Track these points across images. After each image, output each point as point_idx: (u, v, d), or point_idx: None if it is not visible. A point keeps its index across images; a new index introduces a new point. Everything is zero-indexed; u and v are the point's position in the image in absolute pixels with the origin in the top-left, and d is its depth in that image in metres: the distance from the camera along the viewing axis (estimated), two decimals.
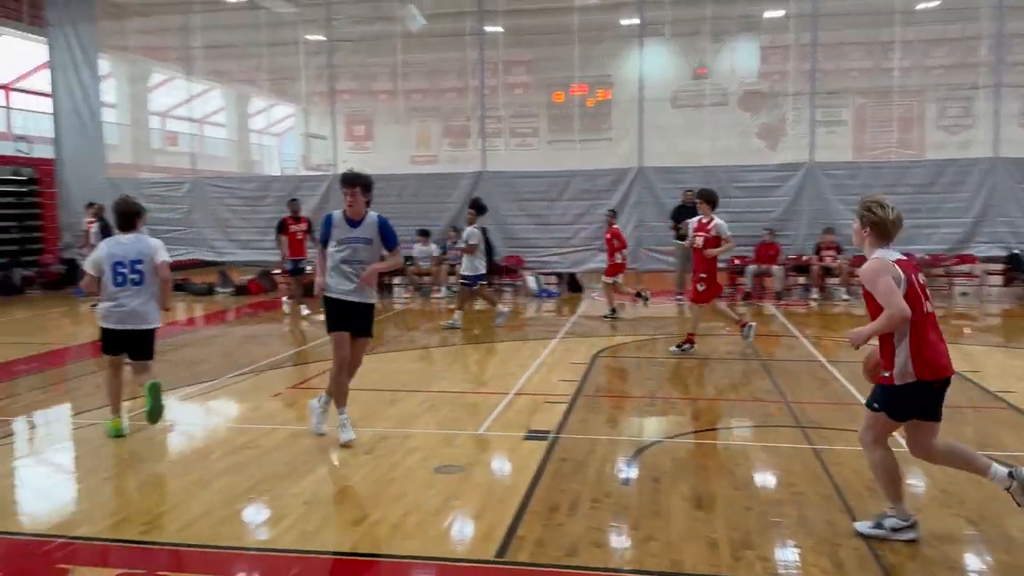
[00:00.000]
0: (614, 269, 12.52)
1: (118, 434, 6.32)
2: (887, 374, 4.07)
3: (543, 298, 15.23)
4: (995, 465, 4.15)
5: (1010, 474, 4.07)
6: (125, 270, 6.17)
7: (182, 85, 20.00)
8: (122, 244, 6.28)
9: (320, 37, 17.50)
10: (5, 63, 21.93)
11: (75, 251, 17.55)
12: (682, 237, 14.10)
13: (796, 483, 5.13)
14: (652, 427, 6.68)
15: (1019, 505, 4.10)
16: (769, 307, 13.75)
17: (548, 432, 6.25)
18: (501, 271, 16.34)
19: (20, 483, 5.56)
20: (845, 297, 14.17)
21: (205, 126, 26.59)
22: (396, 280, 16.62)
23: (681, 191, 14.71)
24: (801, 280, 15.31)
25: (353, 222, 5.90)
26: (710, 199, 9.42)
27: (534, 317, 13.41)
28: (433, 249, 15.89)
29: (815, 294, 14.65)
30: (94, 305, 11.54)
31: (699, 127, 16.47)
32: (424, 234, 15.74)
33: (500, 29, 17.02)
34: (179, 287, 17.15)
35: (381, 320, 12.68)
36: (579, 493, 4.96)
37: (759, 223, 14.94)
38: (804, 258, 14.97)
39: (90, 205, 10.40)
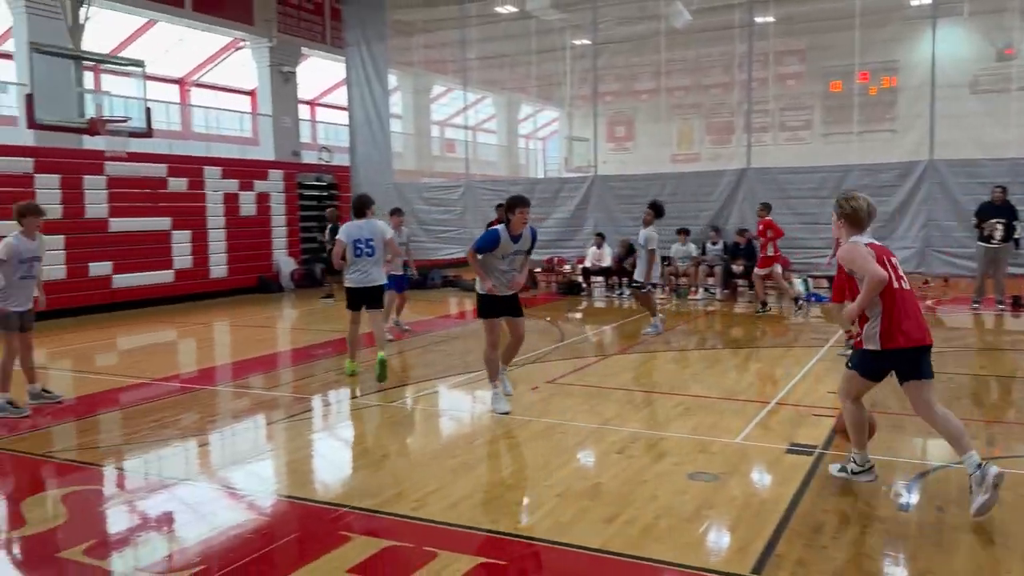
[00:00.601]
0: (766, 262, 13.08)
1: (353, 372, 8.58)
2: (858, 337, 4.72)
3: (812, 303, 14.31)
4: (974, 452, 4.49)
5: (979, 465, 4.42)
6: (362, 245, 8.40)
7: (459, 95, 21.41)
8: (358, 227, 8.49)
9: (585, 41, 17.85)
10: (312, 81, 24.88)
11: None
12: (987, 239, 12.59)
13: None
14: (937, 449, 5.99)
15: (971, 493, 4.42)
16: None
17: (814, 447, 5.85)
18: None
19: (315, 455, 6.26)
20: None
21: (478, 133, 28.27)
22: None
23: (981, 186, 13.09)
24: None
25: (515, 238, 6.90)
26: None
27: (801, 323, 12.63)
28: (691, 249, 15.58)
29: None
30: (325, 296, 12.76)
31: (1004, 114, 14.56)
32: (684, 232, 15.48)
33: (771, 19, 16.26)
34: (451, 283, 18.44)
35: (636, 320, 12.68)
36: (847, 515, 4.59)
37: None
38: None
39: (393, 212, 12.21)
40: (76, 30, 13.26)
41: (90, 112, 12.82)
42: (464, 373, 8.87)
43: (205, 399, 8.00)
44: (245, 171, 18.07)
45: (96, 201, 14.82)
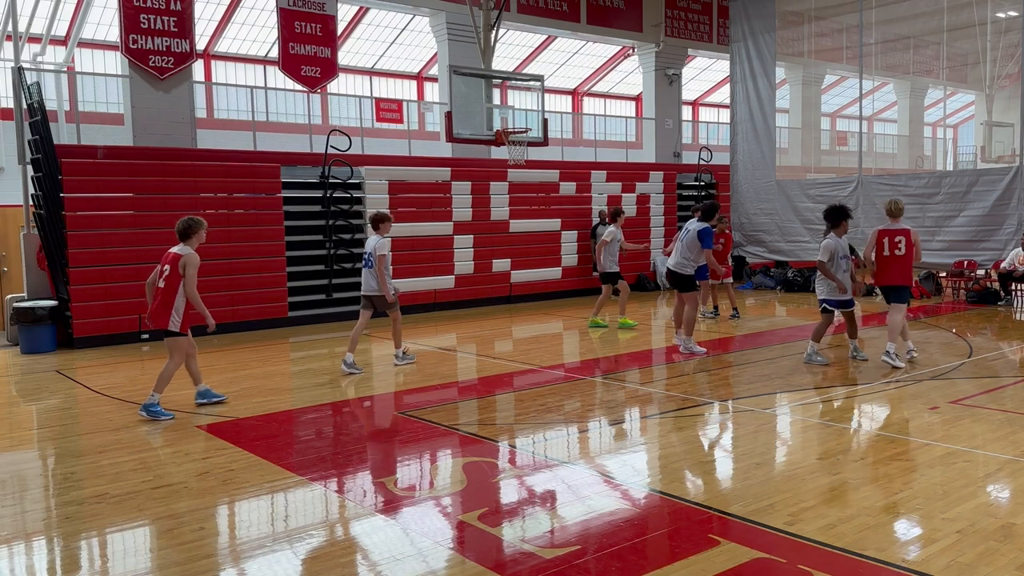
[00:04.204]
0: None
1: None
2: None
3: None
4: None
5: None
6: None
7: (853, 84, 19.90)
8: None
9: (1012, 13, 15.44)
10: (695, 83, 24.99)
11: (743, 248, 19.08)
12: None
13: None
14: None
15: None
16: None
17: None
18: None
19: (686, 454, 6.28)
20: None
21: (874, 123, 26.04)
22: None
23: None
24: None
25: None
26: None
27: None
28: None
29: None
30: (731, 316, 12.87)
31: None
32: None
33: None
34: None
35: None
36: None
37: None
38: None
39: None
40: (487, 52, 14.88)
41: (496, 125, 14.32)
42: (848, 385, 8.24)
43: (585, 388, 8.48)
44: (628, 173, 18.75)
45: (499, 205, 16.52)
